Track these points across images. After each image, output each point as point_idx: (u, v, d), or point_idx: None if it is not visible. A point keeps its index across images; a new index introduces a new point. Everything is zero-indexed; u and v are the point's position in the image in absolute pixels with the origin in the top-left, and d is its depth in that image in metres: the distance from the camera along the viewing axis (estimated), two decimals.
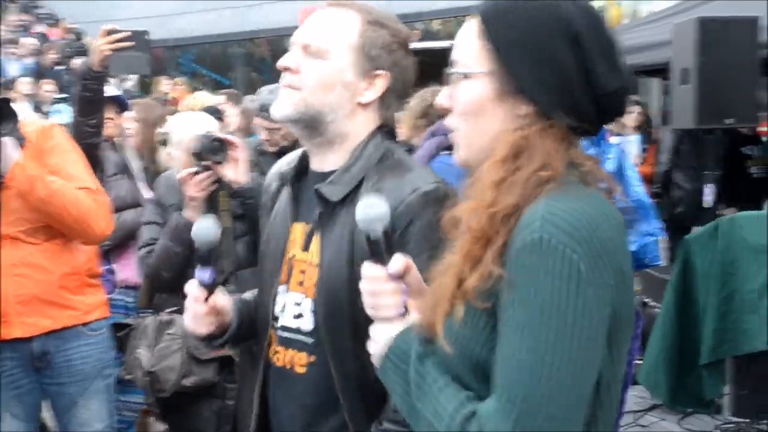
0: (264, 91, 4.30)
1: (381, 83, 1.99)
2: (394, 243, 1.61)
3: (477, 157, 1.51)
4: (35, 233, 3.18)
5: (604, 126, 1.59)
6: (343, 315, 1.90)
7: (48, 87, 12.19)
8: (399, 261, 1.56)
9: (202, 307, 1.99)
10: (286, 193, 2.11)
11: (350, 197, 1.95)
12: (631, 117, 8.70)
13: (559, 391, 1.28)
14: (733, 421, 5.20)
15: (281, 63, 2.02)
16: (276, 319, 2.06)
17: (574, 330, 1.28)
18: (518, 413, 1.28)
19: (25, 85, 11.86)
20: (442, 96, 1.59)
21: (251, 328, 2.15)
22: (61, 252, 3.24)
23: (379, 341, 1.56)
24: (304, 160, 2.10)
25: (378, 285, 1.56)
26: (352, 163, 1.99)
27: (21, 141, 3.05)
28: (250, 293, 2.26)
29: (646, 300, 6.27)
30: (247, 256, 3.35)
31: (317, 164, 2.06)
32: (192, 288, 1.99)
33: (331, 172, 2.01)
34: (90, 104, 3.91)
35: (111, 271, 4.35)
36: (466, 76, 1.51)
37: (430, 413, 1.41)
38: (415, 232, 1.88)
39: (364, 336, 1.64)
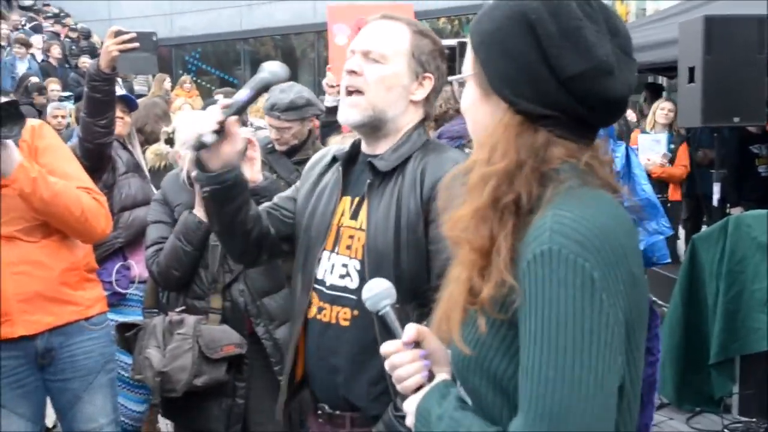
0: (275, 90, 4.29)
1: (429, 84, 2.33)
2: (403, 316, 1.75)
3: None
4: (33, 231, 3.16)
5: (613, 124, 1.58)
6: (388, 271, 2.15)
7: (54, 86, 12.21)
8: (411, 329, 1.63)
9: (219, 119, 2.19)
10: (335, 173, 2.40)
11: (397, 171, 2.28)
12: (662, 114, 8.60)
13: (585, 401, 1.27)
14: (741, 421, 5.19)
15: (347, 67, 2.29)
16: (319, 281, 2.32)
17: (592, 338, 1.28)
18: (548, 428, 1.28)
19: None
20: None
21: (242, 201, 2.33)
22: (59, 248, 3.23)
23: (410, 412, 1.57)
24: (356, 147, 2.40)
25: (397, 358, 1.62)
26: (400, 144, 2.31)
27: (18, 137, 3.04)
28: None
29: (654, 299, 6.27)
30: None
31: (370, 150, 2.37)
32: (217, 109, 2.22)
33: (382, 154, 2.32)
34: (100, 105, 3.90)
35: (127, 267, 4.35)
36: (461, 82, 1.60)
37: None
38: None
39: (405, 290, 1.99)
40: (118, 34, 3.75)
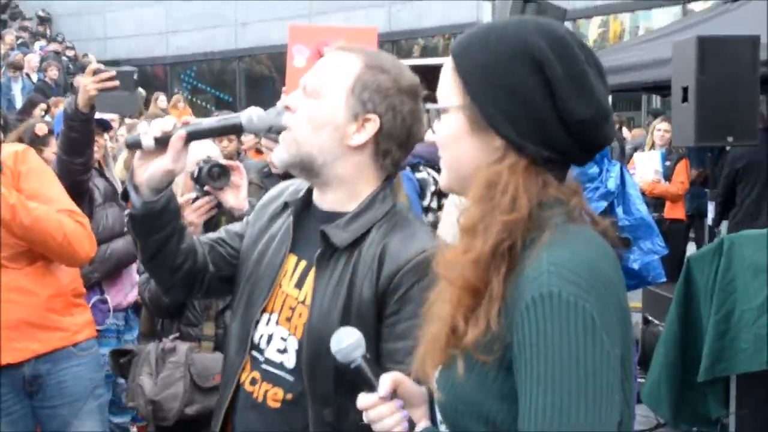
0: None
1: (371, 127, 1.96)
2: (375, 365, 1.66)
3: (459, 184, 1.52)
4: (17, 258, 3.15)
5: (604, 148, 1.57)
6: (329, 359, 1.80)
7: (63, 106, 12.12)
8: (386, 381, 1.58)
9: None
10: (286, 221, 2.11)
11: (354, 244, 1.96)
12: (659, 135, 8.69)
13: None
14: None
15: (283, 103, 2.06)
16: (256, 347, 2.04)
17: (595, 379, 1.27)
18: None
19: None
20: (429, 134, 1.60)
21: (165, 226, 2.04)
22: (45, 274, 3.21)
23: None
24: (310, 194, 2.10)
25: (376, 411, 1.57)
26: (359, 212, 1.98)
27: None
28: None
29: (650, 318, 6.26)
30: None
31: (318, 200, 2.07)
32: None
33: (332, 213, 2.02)
34: (77, 144, 3.82)
35: (104, 301, 4.30)
36: (443, 111, 1.52)
37: None
38: (418, 293, 1.85)
39: (346, 382, 1.70)
40: (96, 72, 3.64)
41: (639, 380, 5.62)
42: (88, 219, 3.36)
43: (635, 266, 5.56)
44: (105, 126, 4.54)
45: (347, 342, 1.63)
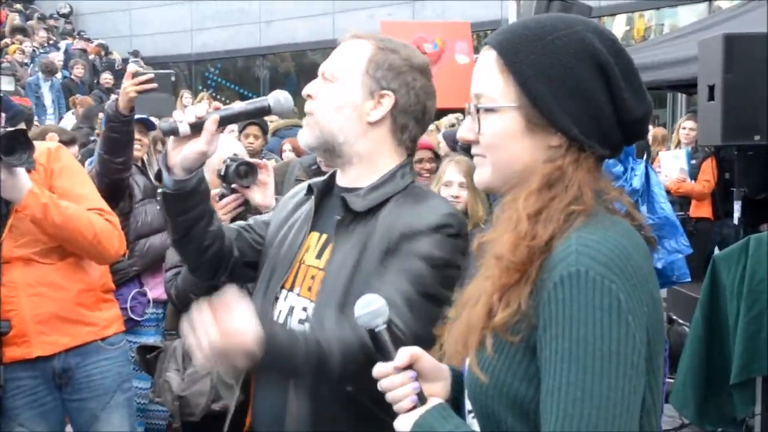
0: None
1: (387, 102, 2.10)
2: (397, 335, 1.66)
3: (503, 181, 1.53)
4: (49, 254, 3.21)
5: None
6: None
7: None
8: (404, 354, 1.57)
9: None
10: (307, 204, 2.23)
11: (371, 212, 2.07)
12: (684, 134, 8.67)
13: (612, 421, 1.27)
14: None
15: (305, 91, 2.15)
16: (275, 323, 2.10)
17: (619, 359, 1.28)
18: None
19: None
20: (464, 129, 1.59)
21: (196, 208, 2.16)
22: (75, 270, 3.28)
23: (405, 430, 1.54)
24: (333, 178, 2.23)
25: (389, 380, 1.57)
26: (380, 184, 2.11)
27: (31, 165, 3.07)
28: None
29: (674, 317, 6.23)
30: None
31: (342, 180, 2.20)
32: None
33: (352, 188, 2.14)
34: (118, 145, 3.96)
35: (143, 293, 4.38)
36: (492, 110, 1.50)
37: None
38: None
39: None
40: (135, 75, 3.78)
41: (668, 380, 5.60)
42: (118, 218, 3.43)
43: (659, 265, 5.54)
44: (149, 125, 4.63)
45: (372, 308, 1.62)
